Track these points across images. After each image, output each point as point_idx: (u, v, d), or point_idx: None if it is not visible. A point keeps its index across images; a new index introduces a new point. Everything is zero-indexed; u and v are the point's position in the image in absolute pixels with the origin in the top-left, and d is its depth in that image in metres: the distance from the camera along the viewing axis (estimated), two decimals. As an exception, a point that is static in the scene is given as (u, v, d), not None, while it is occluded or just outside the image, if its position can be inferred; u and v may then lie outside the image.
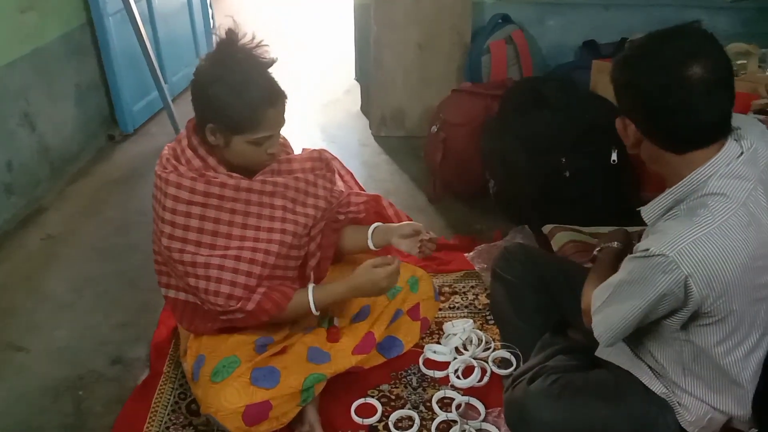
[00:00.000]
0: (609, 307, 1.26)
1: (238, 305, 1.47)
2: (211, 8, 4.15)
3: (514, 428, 1.47)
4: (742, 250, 1.15)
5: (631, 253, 1.24)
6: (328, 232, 1.67)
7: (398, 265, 1.55)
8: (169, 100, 3.23)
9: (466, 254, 2.22)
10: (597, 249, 1.56)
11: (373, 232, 1.71)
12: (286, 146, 1.66)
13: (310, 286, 1.55)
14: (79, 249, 2.40)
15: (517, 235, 2.29)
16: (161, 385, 1.74)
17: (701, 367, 1.30)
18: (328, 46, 4.77)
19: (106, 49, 3.01)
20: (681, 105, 1.14)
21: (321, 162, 1.66)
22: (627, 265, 1.24)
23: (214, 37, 1.45)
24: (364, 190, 1.87)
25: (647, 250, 1.16)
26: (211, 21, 4.11)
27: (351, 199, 1.75)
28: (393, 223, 1.76)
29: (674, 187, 1.21)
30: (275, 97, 1.44)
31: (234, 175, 1.48)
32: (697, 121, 1.16)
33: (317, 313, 1.55)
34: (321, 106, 3.71)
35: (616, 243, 1.52)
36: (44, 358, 1.87)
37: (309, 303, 1.53)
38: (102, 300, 2.12)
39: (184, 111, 3.29)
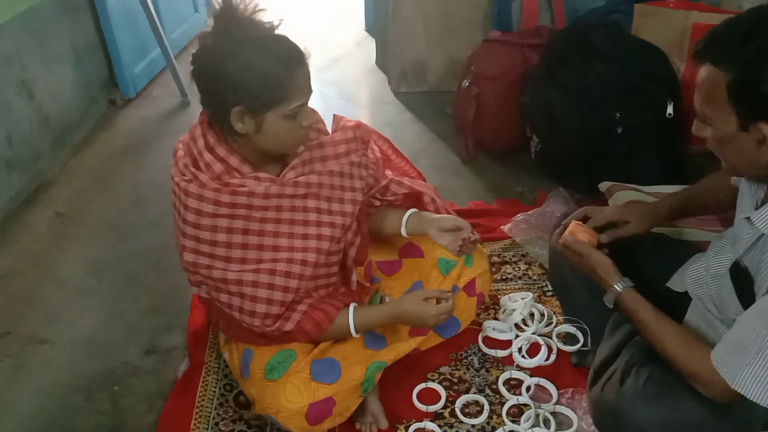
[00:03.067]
0: (759, 366, 1.10)
1: (276, 325, 1.34)
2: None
3: (605, 430, 1.35)
4: None
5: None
6: (363, 216, 1.53)
7: (452, 305, 1.43)
8: (173, 58, 3.01)
9: (502, 227, 2.08)
10: (608, 297, 1.35)
11: (408, 218, 1.57)
12: (318, 123, 1.48)
13: (351, 307, 1.42)
14: (92, 227, 2.23)
15: (555, 198, 2.15)
16: (204, 377, 1.62)
17: None
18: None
19: (102, 6, 2.77)
20: None
21: (356, 143, 1.48)
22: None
23: (208, 10, 1.25)
24: (415, 169, 1.71)
25: None
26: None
27: (391, 186, 1.59)
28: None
29: None
30: (300, 58, 1.26)
31: (261, 176, 1.31)
32: None
33: (357, 336, 1.43)
34: (331, 61, 3.48)
35: (620, 284, 1.33)
36: (71, 351, 1.73)
37: (349, 325, 1.40)
38: (125, 283, 1.97)
39: (186, 70, 3.06)
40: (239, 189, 1.28)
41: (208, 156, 1.30)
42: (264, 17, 1.25)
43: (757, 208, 1.17)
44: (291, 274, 1.33)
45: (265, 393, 1.36)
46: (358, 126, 1.51)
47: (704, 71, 1.08)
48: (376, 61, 3.37)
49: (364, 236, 1.52)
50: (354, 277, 1.52)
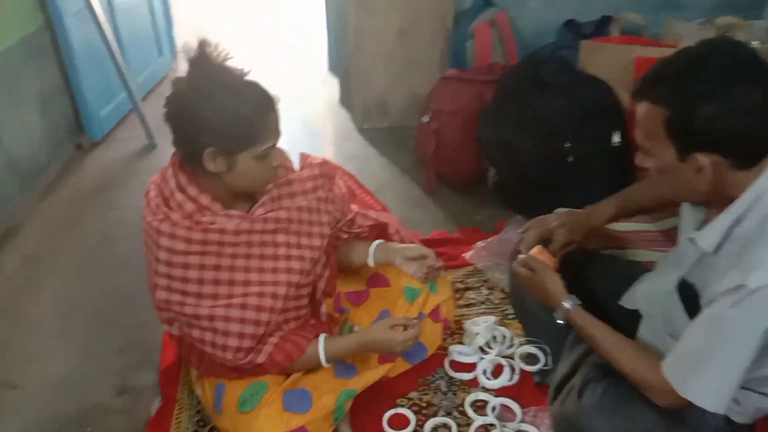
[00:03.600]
0: (705, 375, 1.17)
1: (248, 358, 1.37)
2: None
3: None
4: None
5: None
6: (330, 249, 1.58)
7: (418, 332, 1.49)
8: (139, 101, 3.06)
9: (464, 254, 2.16)
10: (557, 314, 1.43)
11: (375, 249, 1.64)
12: (286, 161, 1.54)
13: (321, 338, 1.46)
14: (62, 269, 2.24)
15: (513, 225, 2.26)
16: (177, 414, 1.64)
17: (764, 365, 1.26)
18: (293, 38, 4.60)
19: (68, 52, 2.82)
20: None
21: (323, 179, 1.55)
22: (716, 319, 1.15)
23: (181, 55, 1.32)
24: (379, 202, 1.78)
25: (742, 288, 1.09)
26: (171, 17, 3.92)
27: (357, 219, 1.67)
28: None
29: (735, 204, 1.16)
30: (271, 102, 1.33)
31: (232, 213, 1.36)
32: None
33: (328, 366, 1.47)
34: (297, 100, 3.57)
35: (568, 302, 1.40)
36: (43, 394, 1.73)
37: (319, 356, 1.45)
38: (96, 323, 1.98)
39: (152, 113, 3.13)
40: (210, 227, 1.33)
41: (179, 196, 1.35)
42: (234, 63, 1.32)
43: (698, 229, 1.27)
44: (262, 307, 1.37)
45: (239, 425, 1.38)
46: (324, 163, 1.58)
47: (643, 108, 1.16)
48: (340, 99, 3.47)
49: (332, 268, 1.58)
50: (323, 309, 1.57)
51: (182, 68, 3.73)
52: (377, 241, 1.66)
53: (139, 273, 2.12)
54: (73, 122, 3.03)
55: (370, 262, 1.65)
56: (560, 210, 2.07)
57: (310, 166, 1.56)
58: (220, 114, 1.26)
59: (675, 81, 1.12)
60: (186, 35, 4.19)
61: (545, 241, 1.59)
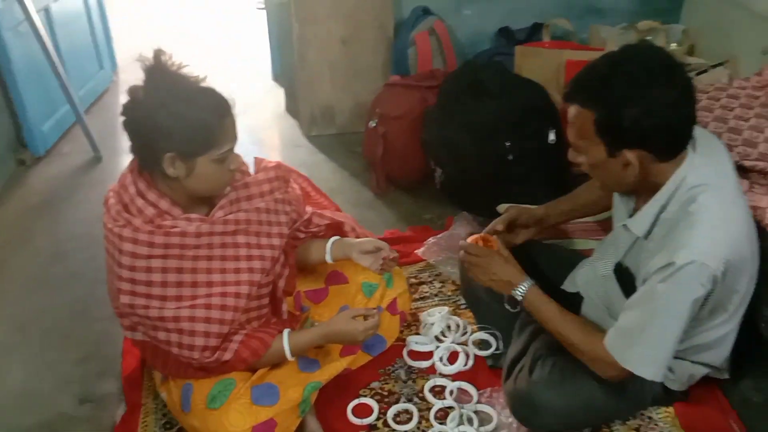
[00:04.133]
0: (642, 346, 1.28)
1: (215, 356, 1.42)
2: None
3: (521, 418, 1.52)
4: (745, 224, 1.28)
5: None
6: (289, 248, 1.64)
7: (378, 321, 1.56)
8: (82, 114, 3.03)
9: (416, 251, 2.26)
10: (510, 298, 1.52)
11: (332, 245, 1.71)
12: (242, 165, 1.59)
13: (285, 333, 1.52)
14: (13, 284, 2.21)
15: (460, 221, 2.37)
16: (143, 419, 1.66)
17: (693, 335, 1.39)
18: (235, 49, 4.61)
19: (7, 67, 2.76)
20: (689, 111, 1.24)
21: (278, 181, 1.61)
22: (649, 295, 1.27)
23: (134, 66, 1.34)
24: (333, 203, 1.85)
25: (670, 265, 1.21)
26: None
27: (314, 219, 1.73)
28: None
29: (660, 192, 1.29)
30: (227, 106, 1.38)
31: (192, 217, 1.40)
32: (692, 123, 1.26)
33: (293, 359, 1.52)
34: (242, 109, 3.55)
35: (526, 283, 1.49)
36: (3, 408, 1.71)
37: (284, 349, 1.50)
38: (52, 336, 1.97)
39: (96, 126, 3.10)
40: (172, 230, 1.36)
41: (139, 201, 1.38)
42: (189, 72, 1.36)
43: (630, 217, 1.40)
44: (226, 306, 1.42)
45: (209, 422, 1.42)
46: (279, 166, 1.64)
47: (574, 110, 1.28)
48: (286, 108, 3.52)
49: (291, 267, 1.63)
50: (284, 307, 1.63)
51: (123, 81, 3.73)
52: (333, 238, 1.72)
53: (93, 285, 2.14)
54: (15, 138, 2.97)
55: (328, 259, 1.71)
56: (505, 205, 2.20)
57: (266, 169, 1.62)
58: (178, 120, 1.30)
59: (600, 86, 1.23)
60: (126, 49, 4.17)
61: (512, 224, 1.70)
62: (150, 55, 1.32)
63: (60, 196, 2.74)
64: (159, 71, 1.32)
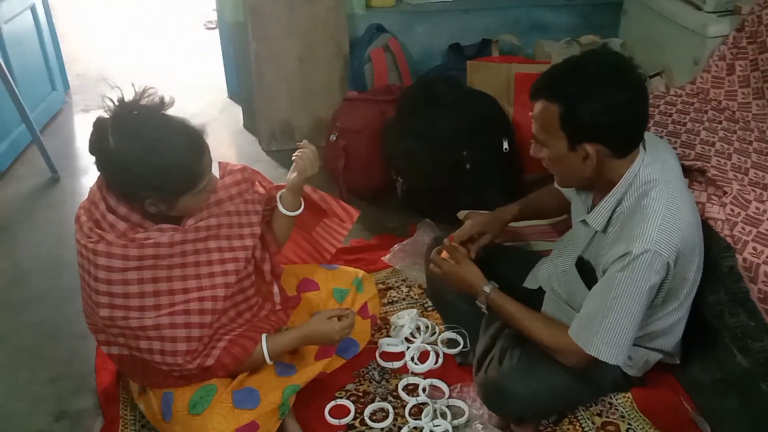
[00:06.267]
0: (605, 332, 1.37)
1: (198, 361, 1.45)
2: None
3: (493, 406, 1.60)
4: (692, 216, 1.40)
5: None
6: (264, 230, 1.68)
7: (353, 320, 1.63)
8: (39, 135, 2.99)
9: (383, 258, 2.34)
10: (480, 299, 1.60)
11: (280, 197, 1.73)
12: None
13: (263, 338, 1.56)
14: (-24, 309, 2.18)
15: (423, 228, 2.46)
16: (122, 430, 1.66)
17: (649, 323, 1.50)
18: (186, 68, 4.61)
19: (-42, 89, 2.72)
20: (641, 111, 1.36)
21: (246, 183, 1.65)
22: (608, 283, 1.37)
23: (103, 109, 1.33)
24: None
25: (627, 254, 1.32)
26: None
27: (272, 192, 1.75)
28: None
29: (616, 187, 1.40)
30: (202, 142, 1.41)
31: (165, 227, 1.43)
32: (644, 122, 1.39)
33: (271, 363, 1.57)
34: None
35: (487, 286, 1.59)
36: (-25, 431, 1.70)
37: (263, 353, 1.54)
38: (21, 357, 1.95)
39: (51, 147, 3.06)
40: (145, 242, 1.40)
41: (111, 217, 1.40)
42: (154, 98, 1.37)
43: (588, 212, 1.51)
44: (204, 310, 1.46)
45: (192, 427, 1.45)
46: (244, 168, 1.68)
47: (540, 105, 1.39)
48: (244, 125, 3.56)
49: (270, 244, 1.68)
50: (276, 289, 1.67)
51: (76, 101, 3.64)
52: (280, 191, 1.74)
53: (59, 305, 2.13)
54: (-33, 161, 2.91)
55: (282, 210, 1.72)
56: (465, 212, 2.31)
57: (232, 172, 1.65)
58: (157, 171, 1.33)
59: (563, 83, 1.35)
60: (78, 70, 4.12)
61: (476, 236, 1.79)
62: (108, 88, 1.33)
63: (17, 219, 2.70)
64: (129, 116, 1.33)
